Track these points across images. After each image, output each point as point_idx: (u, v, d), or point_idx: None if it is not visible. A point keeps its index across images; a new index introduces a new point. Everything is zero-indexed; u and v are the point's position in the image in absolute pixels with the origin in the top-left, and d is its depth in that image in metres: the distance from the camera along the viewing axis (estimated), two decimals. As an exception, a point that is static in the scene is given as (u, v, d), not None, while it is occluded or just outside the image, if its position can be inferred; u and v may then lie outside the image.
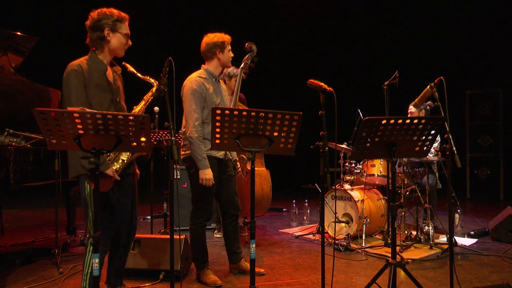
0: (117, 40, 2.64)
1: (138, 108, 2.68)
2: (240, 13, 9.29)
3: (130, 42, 2.71)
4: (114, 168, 2.57)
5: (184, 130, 3.37)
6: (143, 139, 2.18)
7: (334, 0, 9.22)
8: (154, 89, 2.73)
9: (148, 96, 2.72)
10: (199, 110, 3.29)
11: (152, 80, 2.75)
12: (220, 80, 3.56)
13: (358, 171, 5.11)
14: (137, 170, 2.90)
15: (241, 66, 3.83)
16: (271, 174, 4.86)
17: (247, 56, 3.82)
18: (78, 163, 2.52)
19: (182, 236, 3.44)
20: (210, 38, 3.40)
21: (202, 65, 3.48)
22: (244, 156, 4.37)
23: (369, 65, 9.17)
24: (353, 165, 5.17)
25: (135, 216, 2.87)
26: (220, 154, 3.43)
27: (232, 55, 3.47)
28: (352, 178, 5.09)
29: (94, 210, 2.52)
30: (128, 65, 2.68)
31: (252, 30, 8.66)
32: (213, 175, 3.35)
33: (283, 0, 9.30)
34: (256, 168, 4.75)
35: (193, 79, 3.34)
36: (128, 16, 2.70)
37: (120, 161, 2.60)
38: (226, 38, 3.43)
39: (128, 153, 2.62)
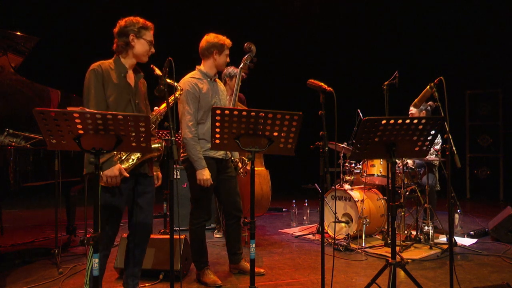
0: (141, 46, 2.75)
1: (158, 110, 2.79)
2: (240, 13, 9.28)
3: (153, 49, 2.81)
4: (124, 166, 2.61)
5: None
6: (146, 144, 2.21)
7: (334, 0, 9.22)
8: (177, 93, 2.84)
9: (170, 100, 2.76)
10: (192, 111, 3.29)
11: (176, 85, 2.86)
12: (217, 80, 3.56)
13: (358, 171, 5.11)
14: (159, 173, 2.93)
15: (240, 66, 3.84)
16: (271, 174, 4.87)
17: (246, 56, 3.83)
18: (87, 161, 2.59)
19: (182, 236, 3.44)
20: (212, 37, 3.42)
21: (197, 66, 3.49)
22: (244, 158, 4.38)
23: (369, 65, 9.17)
24: (353, 165, 5.17)
25: (147, 218, 2.86)
26: (219, 154, 3.43)
27: (228, 60, 3.50)
28: (352, 178, 5.09)
29: (94, 210, 2.55)
30: (155, 68, 2.74)
31: (252, 30, 8.65)
32: (212, 175, 3.35)
33: (283, 0, 9.29)
34: (255, 168, 4.75)
35: (186, 81, 3.35)
36: (153, 24, 2.82)
37: (131, 160, 2.65)
38: (227, 42, 3.44)
39: (138, 153, 2.66)
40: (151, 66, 2.75)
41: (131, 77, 2.80)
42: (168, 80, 2.67)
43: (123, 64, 2.76)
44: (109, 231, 2.69)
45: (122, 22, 2.75)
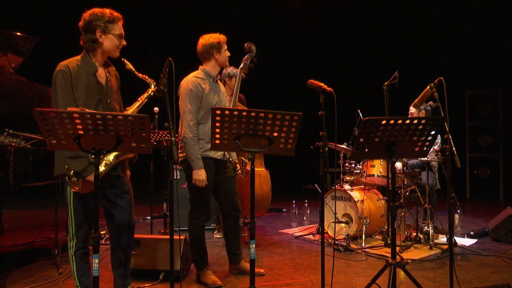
0: (110, 41, 2.60)
1: (131, 110, 2.66)
2: (240, 13, 9.28)
3: (124, 42, 2.66)
4: (100, 170, 2.52)
5: (180, 131, 3.37)
6: (145, 144, 2.18)
7: (334, 0, 9.22)
8: (150, 90, 2.70)
9: (143, 98, 2.70)
10: (194, 110, 3.29)
11: (149, 80, 2.72)
12: (219, 81, 3.56)
13: (358, 171, 5.10)
14: (128, 171, 2.85)
15: (240, 66, 3.83)
16: (271, 175, 4.86)
17: (247, 56, 3.81)
18: (62, 162, 2.48)
19: (182, 237, 3.44)
20: (206, 39, 3.40)
21: (200, 66, 3.48)
22: (243, 158, 4.37)
23: (369, 65, 9.17)
24: (353, 165, 5.17)
25: (130, 217, 2.81)
26: (217, 154, 3.43)
27: (228, 54, 3.48)
28: (352, 178, 5.09)
29: (77, 213, 2.57)
30: (126, 62, 2.65)
31: (252, 30, 8.65)
32: (210, 176, 3.35)
33: (283, 0, 9.29)
34: (255, 169, 4.75)
35: (189, 80, 3.35)
36: (121, 15, 2.65)
37: (107, 162, 2.58)
38: (222, 38, 3.43)
39: (113, 155, 2.59)
40: (122, 60, 2.63)
41: (101, 74, 2.64)
42: (140, 75, 2.63)
43: (92, 62, 2.59)
44: (85, 235, 2.62)
45: (86, 16, 2.55)
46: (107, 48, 2.61)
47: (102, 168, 2.56)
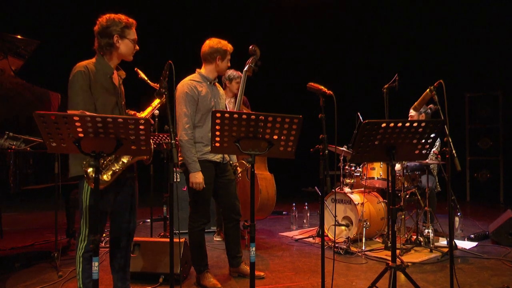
0: (126, 46, 2.68)
1: (144, 115, 2.71)
2: (240, 14, 9.31)
3: (137, 47, 2.75)
4: (114, 169, 2.56)
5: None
6: (146, 147, 2.18)
7: (334, 2, 9.24)
8: (163, 98, 2.73)
9: (154, 104, 2.74)
10: (189, 113, 3.30)
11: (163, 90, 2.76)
12: (217, 84, 3.56)
13: (358, 174, 5.10)
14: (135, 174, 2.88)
15: (245, 69, 3.78)
16: (271, 177, 4.89)
17: (251, 59, 3.78)
18: (80, 163, 2.51)
19: (182, 239, 3.44)
20: (215, 42, 3.41)
21: (197, 69, 3.49)
22: (244, 161, 4.36)
23: (369, 68, 9.18)
24: (353, 168, 5.16)
25: (133, 220, 2.85)
26: (217, 157, 3.42)
27: (229, 65, 3.50)
28: (352, 181, 5.09)
29: (91, 214, 2.54)
30: (139, 71, 2.70)
31: (252, 31, 8.67)
32: (210, 178, 3.34)
33: (283, 1, 9.31)
34: (261, 172, 4.78)
35: (185, 83, 3.36)
36: (135, 21, 2.74)
37: (121, 162, 2.60)
38: (229, 48, 3.44)
39: (128, 156, 2.62)
40: (135, 69, 2.69)
41: (115, 77, 2.72)
42: (153, 84, 2.65)
43: (108, 65, 2.66)
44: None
45: (103, 21, 2.63)
46: (123, 52, 2.68)
47: (116, 168, 2.57)
